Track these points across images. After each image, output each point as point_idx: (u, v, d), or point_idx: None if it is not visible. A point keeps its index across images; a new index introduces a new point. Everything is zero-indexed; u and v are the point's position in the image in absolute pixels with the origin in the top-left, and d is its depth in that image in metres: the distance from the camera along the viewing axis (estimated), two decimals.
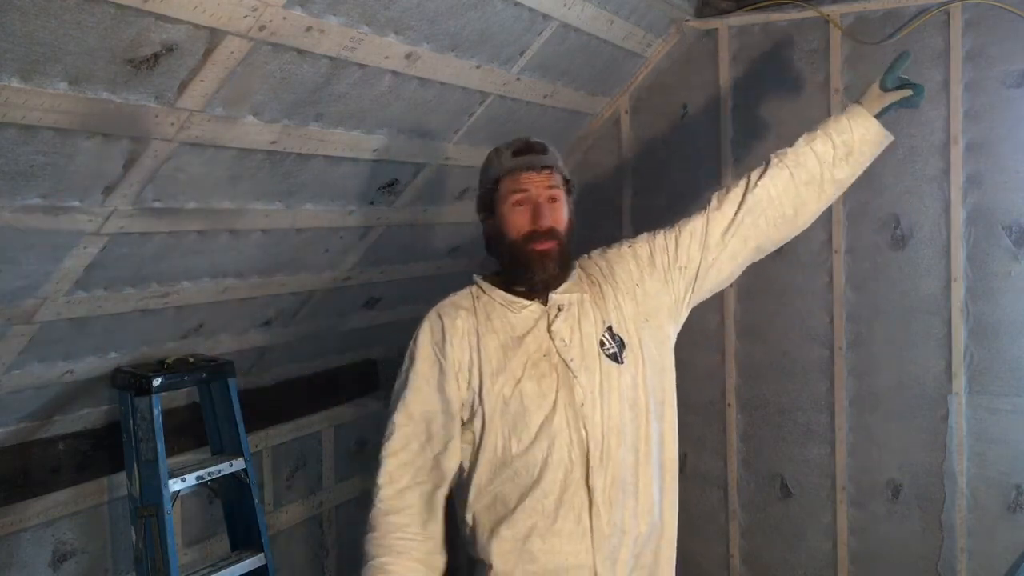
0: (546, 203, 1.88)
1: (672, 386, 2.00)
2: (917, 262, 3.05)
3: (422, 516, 1.86)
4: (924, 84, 2.23)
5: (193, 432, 3.02)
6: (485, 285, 1.97)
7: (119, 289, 2.36)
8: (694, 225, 2.03)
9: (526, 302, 1.91)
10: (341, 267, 3.08)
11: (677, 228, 2.04)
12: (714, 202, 2.05)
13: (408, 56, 2.29)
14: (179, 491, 2.74)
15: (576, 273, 1.98)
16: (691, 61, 3.31)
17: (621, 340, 1.90)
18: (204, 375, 2.82)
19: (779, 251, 3.35)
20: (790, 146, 2.09)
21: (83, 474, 2.75)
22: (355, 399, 3.90)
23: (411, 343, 1.94)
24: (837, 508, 3.21)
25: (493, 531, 1.84)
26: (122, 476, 2.76)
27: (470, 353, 1.87)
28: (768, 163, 2.07)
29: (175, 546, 2.66)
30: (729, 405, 3.32)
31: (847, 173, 2.10)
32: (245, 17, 1.83)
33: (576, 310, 1.90)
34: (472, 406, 1.87)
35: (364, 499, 3.95)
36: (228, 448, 2.97)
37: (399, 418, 1.90)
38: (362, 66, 2.21)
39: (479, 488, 1.86)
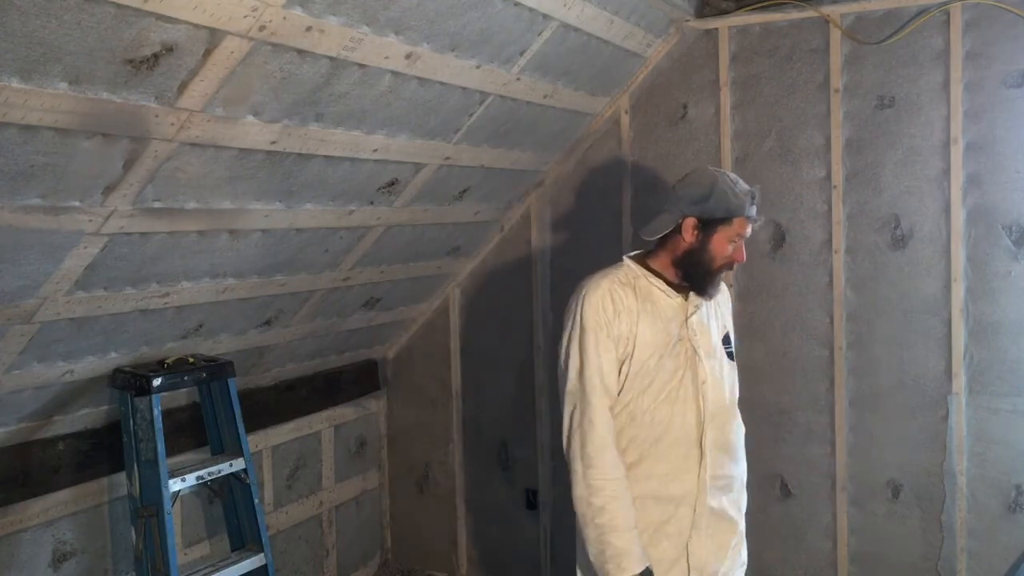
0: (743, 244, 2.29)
1: None
2: (917, 262, 3.05)
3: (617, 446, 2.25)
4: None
5: (193, 432, 3.02)
6: (640, 270, 2.29)
7: (119, 289, 2.36)
8: None
9: (675, 294, 2.28)
10: (341, 267, 3.08)
11: None
12: None
13: (408, 56, 2.29)
14: (179, 491, 2.74)
15: None
16: (691, 61, 3.31)
17: (732, 344, 2.39)
18: (204, 375, 2.82)
19: (779, 251, 3.38)
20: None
21: (83, 474, 2.75)
22: (355, 399, 3.90)
23: (577, 310, 2.24)
24: (837, 508, 3.21)
25: (628, 466, 2.23)
26: (122, 476, 2.76)
27: (630, 326, 2.22)
28: None
29: (175, 546, 2.66)
30: None
31: None
32: (245, 17, 1.83)
33: (705, 312, 2.32)
34: (626, 365, 2.23)
35: (364, 499, 3.98)
36: (228, 448, 2.97)
37: (587, 385, 2.21)
38: (362, 66, 2.21)
39: (618, 431, 2.23)
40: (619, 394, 2.23)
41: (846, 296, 3.14)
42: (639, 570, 2.11)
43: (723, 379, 2.32)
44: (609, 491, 2.14)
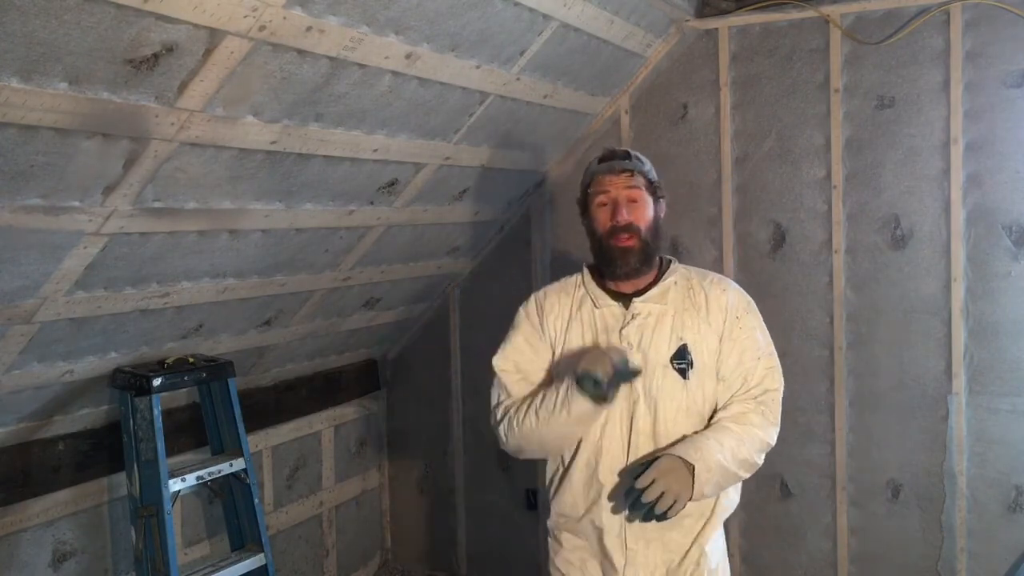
0: (625, 202, 2.03)
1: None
2: (917, 262, 3.05)
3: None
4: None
5: (193, 432, 3.02)
6: (587, 277, 2.14)
7: (119, 289, 2.36)
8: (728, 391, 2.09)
9: (610, 302, 2.08)
10: (341, 267, 3.08)
11: (735, 376, 2.08)
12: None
13: (408, 56, 2.29)
14: (179, 491, 2.74)
15: (670, 282, 2.09)
16: (691, 61, 3.31)
17: (691, 361, 2.04)
18: (204, 375, 2.82)
19: (779, 251, 3.38)
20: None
21: (83, 474, 2.75)
22: (355, 399, 3.90)
23: (517, 314, 2.19)
24: (837, 508, 3.21)
25: (555, 490, 2.13)
26: (122, 476, 2.76)
27: (557, 332, 2.12)
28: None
29: (175, 546, 2.66)
30: None
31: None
32: (245, 17, 1.83)
33: (653, 321, 2.05)
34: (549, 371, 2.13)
35: (364, 499, 3.97)
36: (228, 448, 2.97)
37: (498, 362, 2.19)
38: (362, 66, 2.21)
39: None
40: None
41: (846, 296, 3.14)
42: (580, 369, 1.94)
43: (664, 400, 2.01)
44: (514, 413, 2.10)
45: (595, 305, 2.09)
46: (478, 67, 2.55)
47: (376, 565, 4.07)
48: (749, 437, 2.01)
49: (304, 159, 2.42)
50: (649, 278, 2.09)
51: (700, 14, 3.26)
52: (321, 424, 3.70)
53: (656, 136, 3.38)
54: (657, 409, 2.01)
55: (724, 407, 2.06)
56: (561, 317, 2.11)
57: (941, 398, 3.04)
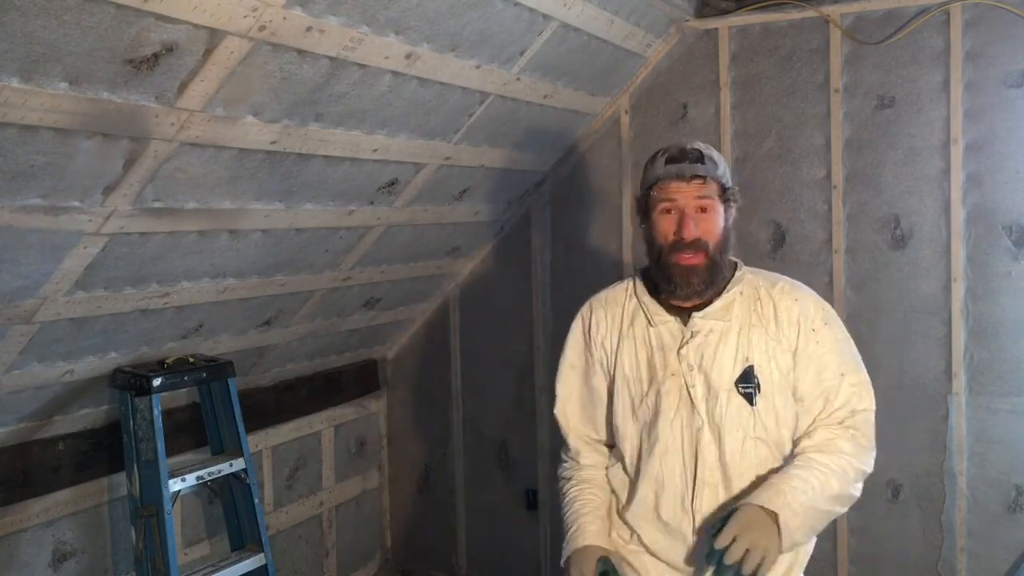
0: (694, 213, 1.80)
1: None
2: (917, 262, 3.05)
3: (601, 464, 2.01)
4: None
5: (193, 432, 3.02)
6: (639, 285, 1.93)
7: (119, 289, 2.36)
8: (808, 413, 1.88)
9: (667, 317, 1.87)
10: (341, 267, 3.08)
11: (814, 402, 1.87)
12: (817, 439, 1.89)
13: (408, 56, 2.29)
14: (179, 491, 2.74)
15: (734, 293, 1.87)
16: (691, 61, 3.31)
17: (759, 384, 1.82)
18: (204, 375, 2.82)
19: (779, 251, 3.38)
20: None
21: (83, 474, 2.75)
22: (355, 399, 3.90)
23: (568, 335, 2.02)
24: None
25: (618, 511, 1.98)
26: (122, 476, 2.76)
27: (608, 354, 1.93)
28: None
29: (175, 546, 2.66)
30: None
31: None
32: (245, 17, 1.83)
33: (715, 339, 1.84)
34: (611, 396, 1.95)
35: (364, 499, 3.97)
36: (228, 448, 2.97)
37: (557, 412, 2.04)
38: (362, 66, 2.21)
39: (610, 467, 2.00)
40: (610, 430, 1.96)
41: (846, 296, 3.14)
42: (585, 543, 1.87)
43: (731, 428, 1.81)
44: (571, 485, 1.99)
45: (650, 322, 1.88)
46: (478, 67, 2.55)
47: (376, 565, 4.07)
48: (840, 468, 1.79)
49: (304, 159, 2.42)
50: (717, 289, 1.86)
51: (700, 14, 3.26)
52: (321, 424, 3.70)
53: (656, 136, 3.38)
54: (722, 438, 1.81)
55: (807, 434, 1.85)
56: (611, 335, 1.93)
57: (941, 398, 3.04)
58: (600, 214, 3.51)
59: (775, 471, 1.83)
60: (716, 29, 3.24)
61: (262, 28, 1.88)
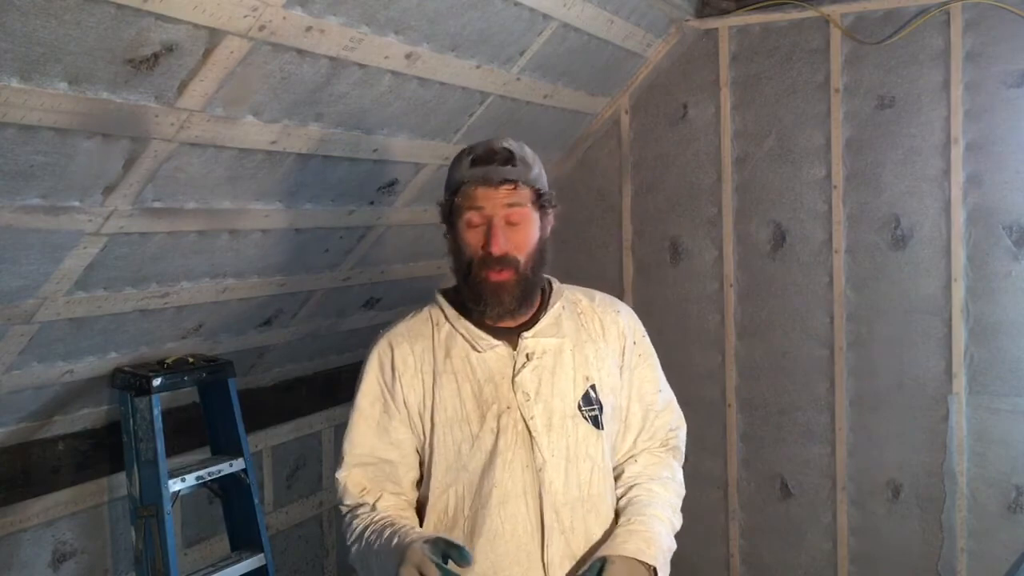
0: (502, 225, 1.56)
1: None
2: (917, 262, 3.05)
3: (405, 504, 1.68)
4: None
5: (193, 432, 3.02)
6: (448, 310, 1.65)
7: (119, 289, 2.36)
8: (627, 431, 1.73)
9: (493, 341, 1.60)
10: (341, 267, 3.08)
11: (632, 420, 1.73)
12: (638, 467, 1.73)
13: (408, 56, 2.29)
14: (179, 491, 2.74)
15: (558, 308, 1.67)
16: (691, 61, 3.31)
17: (601, 404, 1.63)
18: (204, 375, 2.81)
19: (779, 251, 3.38)
20: None
21: (83, 474, 2.75)
22: None
23: (359, 375, 1.66)
24: (837, 508, 3.21)
25: None
26: (122, 476, 2.76)
27: (423, 396, 1.61)
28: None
29: (175, 546, 2.66)
30: (729, 405, 3.32)
31: None
32: (245, 17, 1.83)
33: (551, 360, 1.61)
34: (424, 452, 1.63)
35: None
36: (228, 448, 2.96)
37: (341, 475, 1.67)
38: (362, 66, 2.21)
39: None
40: (427, 491, 1.61)
41: (846, 296, 3.14)
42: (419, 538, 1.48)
43: (584, 457, 1.59)
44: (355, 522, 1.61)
45: (474, 347, 1.60)
46: (478, 67, 2.55)
47: None
48: (677, 499, 1.69)
49: (304, 159, 2.42)
50: (532, 307, 1.64)
51: (700, 14, 3.26)
52: (321, 424, 3.70)
53: (656, 136, 3.38)
54: (568, 473, 1.58)
55: (631, 458, 1.70)
56: (422, 375, 1.61)
57: (941, 398, 3.04)
58: (600, 214, 3.51)
59: (617, 503, 1.66)
60: (716, 29, 3.24)
61: (262, 28, 1.88)
